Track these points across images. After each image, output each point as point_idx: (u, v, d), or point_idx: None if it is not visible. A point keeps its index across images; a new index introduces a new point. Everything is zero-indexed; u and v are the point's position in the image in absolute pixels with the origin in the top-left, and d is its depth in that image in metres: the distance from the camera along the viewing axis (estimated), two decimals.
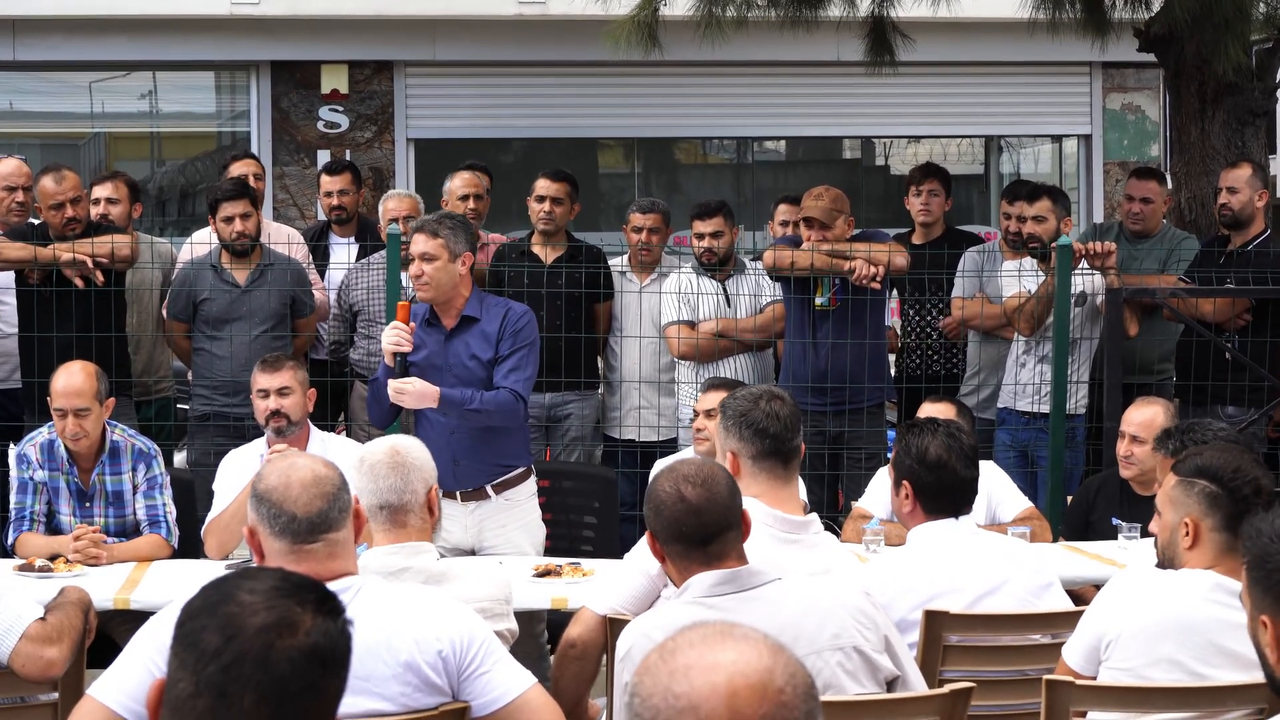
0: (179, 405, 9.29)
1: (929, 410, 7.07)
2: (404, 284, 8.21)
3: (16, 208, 8.64)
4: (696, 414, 7.09)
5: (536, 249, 8.88)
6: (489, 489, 6.78)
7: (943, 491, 5.00)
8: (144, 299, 8.80)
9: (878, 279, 8.04)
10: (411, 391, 6.60)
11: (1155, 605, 4.34)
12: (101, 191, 8.87)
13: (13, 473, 6.91)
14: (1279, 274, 8.30)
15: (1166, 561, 4.45)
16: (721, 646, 2.23)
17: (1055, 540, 7.03)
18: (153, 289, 8.80)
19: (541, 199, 8.85)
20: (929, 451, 4.99)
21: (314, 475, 3.86)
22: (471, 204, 9.15)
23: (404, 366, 6.71)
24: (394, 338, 6.67)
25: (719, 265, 8.63)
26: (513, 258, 8.80)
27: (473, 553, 6.75)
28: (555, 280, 8.64)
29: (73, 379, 6.72)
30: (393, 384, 6.63)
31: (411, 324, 6.71)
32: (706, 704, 2.18)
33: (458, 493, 6.71)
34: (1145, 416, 7.01)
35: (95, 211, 8.68)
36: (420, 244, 6.69)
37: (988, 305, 8.79)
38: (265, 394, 6.89)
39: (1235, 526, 4.25)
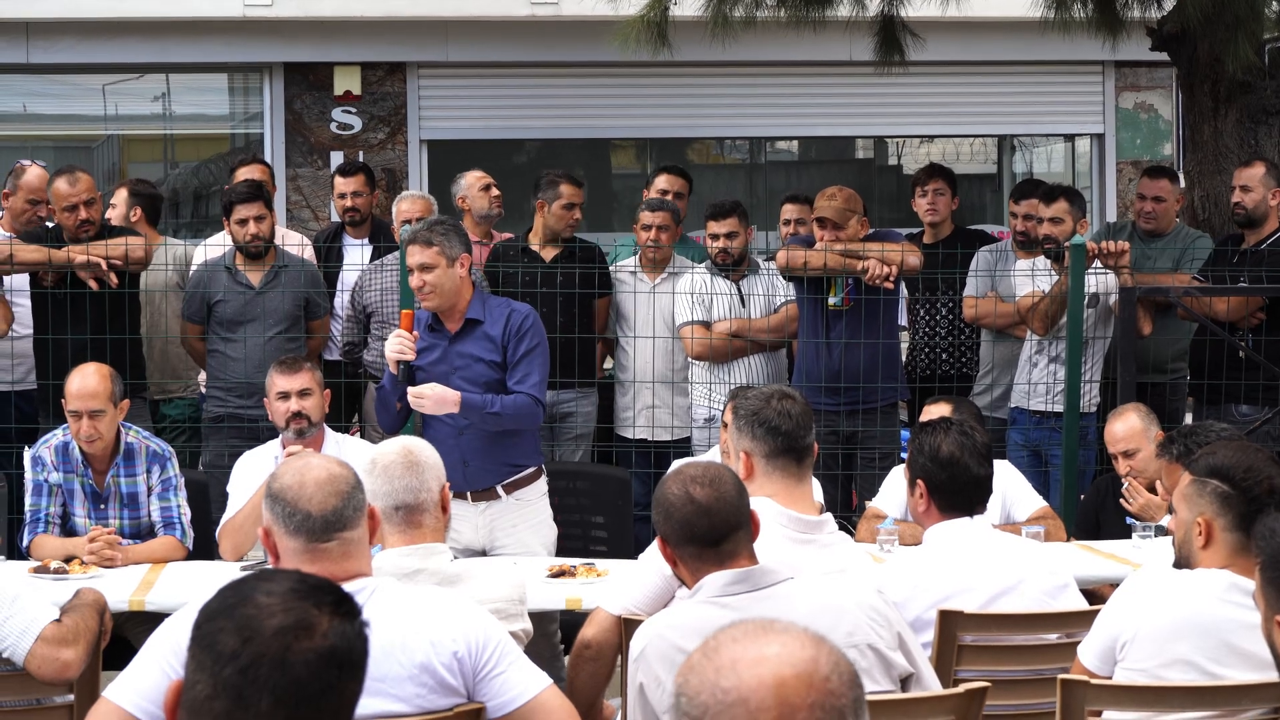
0: None
1: (930, 411, 7.10)
2: None
3: (38, 220, 8.66)
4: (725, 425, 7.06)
5: (535, 247, 8.88)
6: (499, 489, 6.80)
7: (956, 489, 5.02)
8: (173, 300, 8.80)
9: (891, 278, 8.05)
10: (431, 396, 6.64)
11: (1170, 605, 4.34)
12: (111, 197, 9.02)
13: (28, 475, 6.93)
14: None
15: (1182, 560, 4.46)
16: (765, 640, 2.25)
17: (1069, 539, 7.03)
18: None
19: (571, 206, 8.86)
20: (941, 449, 5.02)
21: (328, 474, 3.87)
22: (495, 191, 9.24)
23: (408, 374, 6.74)
24: (397, 346, 6.71)
25: (733, 265, 8.63)
26: (510, 256, 8.80)
27: (483, 553, 6.77)
28: (556, 278, 8.65)
29: (87, 381, 6.73)
30: (411, 391, 6.65)
31: (415, 332, 6.74)
32: (755, 696, 2.20)
33: (468, 493, 6.73)
34: (1125, 428, 7.06)
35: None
36: (416, 255, 6.72)
37: (1000, 304, 8.79)
38: (285, 396, 6.90)
39: (1248, 526, 4.25)
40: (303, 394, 6.89)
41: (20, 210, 8.65)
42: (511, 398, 6.73)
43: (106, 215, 8.87)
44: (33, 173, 8.74)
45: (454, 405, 6.64)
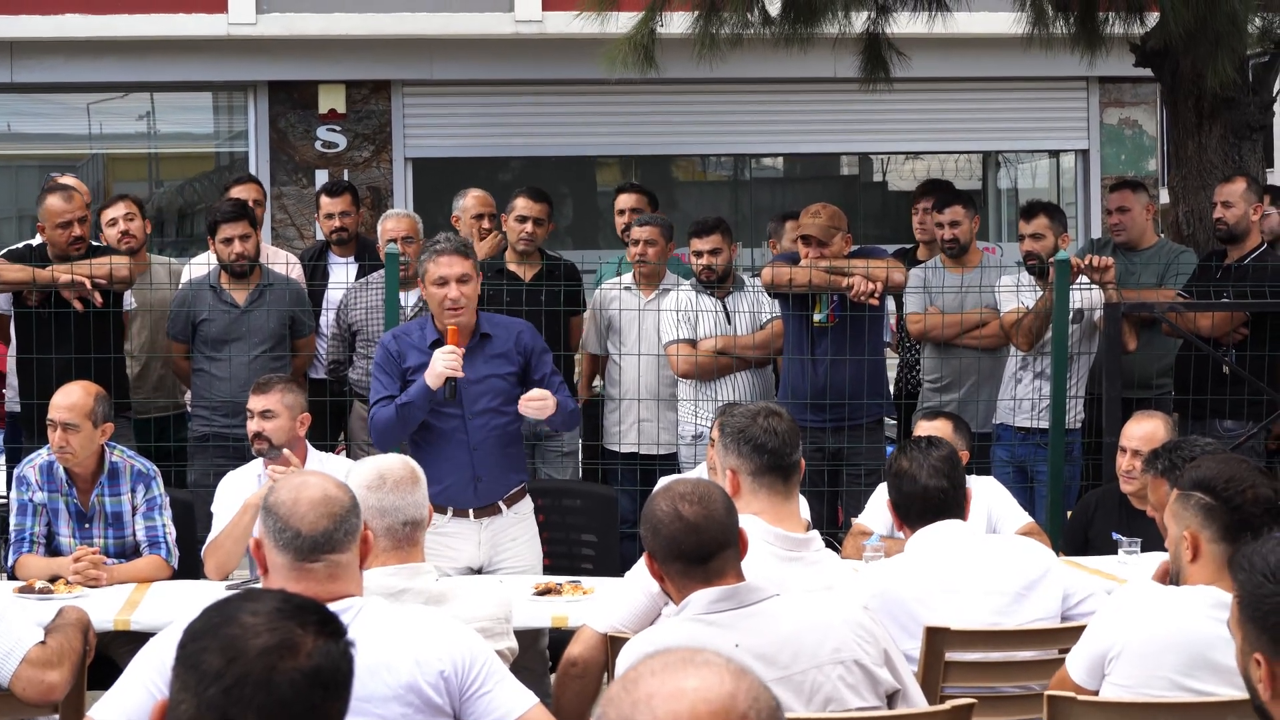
0: None
1: (924, 428, 7.11)
2: (403, 304, 8.22)
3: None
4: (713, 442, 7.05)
5: (513, 267, 8.88)
6: (501, 504, 6.82)
7: (910, 501, 5.17)
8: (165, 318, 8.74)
9: (875, 295, 8.06)
10: (542, 402, 6.68)
11: (1157, 621, 4.34)
12: (115, 212, 8.82)
13: (12, 494, 6.91)
14: (1275, 287, 8.31)
15: (1174, 576, 4.46)
16: (684, 673, 2.22)
17: (1055, 555, 7.02)
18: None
19: (524, 219, 8.85)
20: (895, 464, 5.23)
21: (324, 495, 3.86)
22: (486, 223, 9.20)
23: (453, 390, 6.68)
24: (450, 361, 6.62)
25: (718, 282, 8.63)
26: (489, 276, 8.77)
27: (480, 570, 6.76)
28: (536, 298, 8.64)
29: (70, 394, 6.73)
30: (525, 400, 6.67)
31: (461, 349, 6.70)
32: None
33: (470, 510, 6.73)
34: (1145, 430, 7.01)
35: (114, 233, 8.67)
36: (457, 266, 6.67)
37: (947, 317, 8.76)
38: (251, 415, 6.91)
39: (1233, 536, 4.27)
40: (265, 415, 6.86)
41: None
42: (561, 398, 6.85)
43: (125, 228, 8.75)
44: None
45: (553, 407, 6.72)
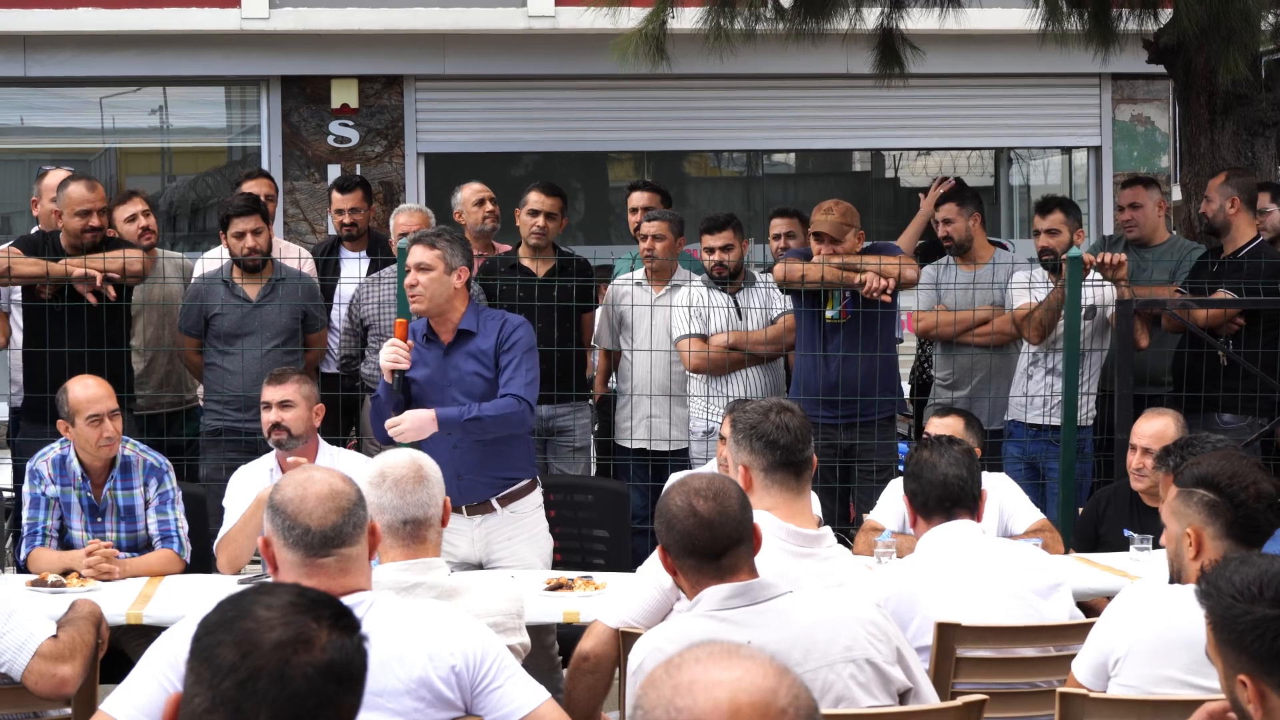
0: None
1: (936, 425, 7.11)
2: None
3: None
4: (722, 438, 7.04)
5: (526, 262, 8.88)
6: (494, 502, 6.80)
7: (928, 491, 5.14)
8: (173, 313, 8.77)
9: (888, 291, 8.06)
10: (408, 427, 6.66)
11: (1161, 622, 4.35)
12: (133, 208, 8.84)
13: (25, 488, 6.92)
14: (1269, 284, 8.29)
15: (1175, 575, 4.46)
16: (727, 664, 2.25)
17: (1067, 552, 7.02)
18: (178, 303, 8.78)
19: (535, 213, 8.85)
20: (914, 457, 5.22)
21: (330, 489, 3.86)
22: (489, 206, 9.21)
23: (402, 383, 6.73)
24: (391, 355, 6.72)
25: (729, 278, 8.63)
26: (502, 271, 8.79)
27: (479, 566, 6.77)
28: (548, 293, 8.64)
29: (98, 386, 6.77)
30: (388, 425, 6.66)
31: (410, 342, 6.74)
32: (709, 719, 2.19)
33: (463, 507, 6.72)
34: (1156, 428, 7.01)
35: (134, 228, 8.67)
36: (417, 254, 6.75)
37: (947, 315, 8.76)
38: (269, 406, 6.92)
39: (1237, 533, 4.30)
40: (284, 405, 6.89)
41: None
42: (492, 402, 6.72)
43: (144, 224, 8.75)
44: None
45: (433, 424, 6.65)
